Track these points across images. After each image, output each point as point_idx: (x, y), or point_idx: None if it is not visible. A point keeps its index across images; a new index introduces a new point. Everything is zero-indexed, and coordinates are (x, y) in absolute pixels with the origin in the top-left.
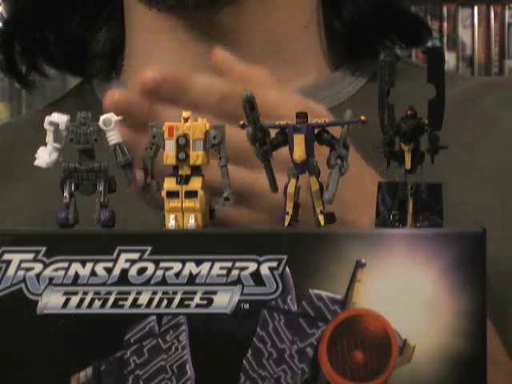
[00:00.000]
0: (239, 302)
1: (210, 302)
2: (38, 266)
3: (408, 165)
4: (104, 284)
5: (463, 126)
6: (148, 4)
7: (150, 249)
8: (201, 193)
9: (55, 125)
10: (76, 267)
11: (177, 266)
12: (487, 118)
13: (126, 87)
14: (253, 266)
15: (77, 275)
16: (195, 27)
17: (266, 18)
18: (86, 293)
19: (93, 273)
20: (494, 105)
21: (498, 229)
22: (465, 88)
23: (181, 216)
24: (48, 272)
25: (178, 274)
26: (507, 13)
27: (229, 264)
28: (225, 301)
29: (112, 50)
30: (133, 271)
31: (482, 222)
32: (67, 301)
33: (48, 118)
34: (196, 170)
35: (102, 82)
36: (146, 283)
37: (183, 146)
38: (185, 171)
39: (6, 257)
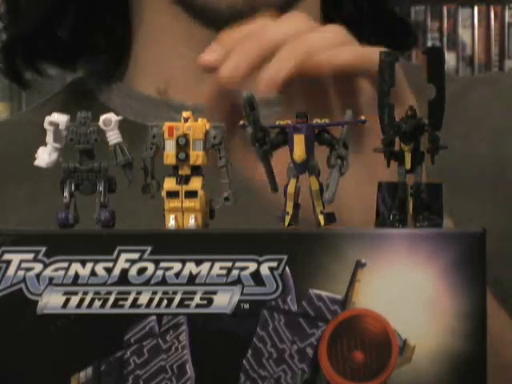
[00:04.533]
0: (239, 301)
1: (210, 302)
2: (38, 266)
3: (408, 165)
4: (104, 284)
5: (455, 119)
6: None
7: (149, 249)
8: (201, 193)
9: (55, 125)
10: (76, 267)
11: (177, 266)
12: (478, 109)
13: (130, 88)
14: (253, 266)
15: (77, 275)
16: (212, 26)
17: None
18: (86, 293)
19: (93, 273)
20: (483, 97)
21: (498, 219)
22: (455, 82)
23: (181, 216)
24: (48, 272)
25: (177, 274)
26: (507, 13)
27: (229, 264)
28: (225, 301)
29: (117, 49)
30: (133, 271)
31: (482, 218)
32: (67, 301)
33: (48, 118)
34: (196, 170)
35: (101, 82)
36: (146, 283)
37: (183, 145)
38: (185, 171)
39: (6, 257)
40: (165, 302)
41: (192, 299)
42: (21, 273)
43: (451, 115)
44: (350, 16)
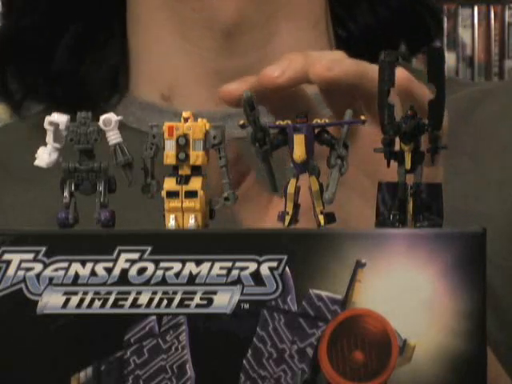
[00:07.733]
0: (239, 301)
1: (210, 302)
2: (38, 266)
3: (408, 165)
4: (104, 284)
5: (465, 134)
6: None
7: (149, 249)
8: (201, 193)
9: (55, 125)
10: (76, 267)
11: (177, 266)
12: (489, 125)
13: (133, 95)
14: (253, 266)
15: (77, 275)
16: (214, 43)
17: (284, 33)
18: (85, 293)
19: (93, 273)
20: (496, 112)
21: (503, 238)
22: (464, 94)
23: (181, 216)
24: (48, 272)
25: (178, 274)
26: (507, 13)
27: (229, 264)
28: (225, 301)
29: (113, 77)
30: (133, 271)
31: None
32: (67, 301)
33: (48, 118)
34: (196, 170)
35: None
36: (146, 283)
37: (183, 145)
38: (185, 171)
39: (6, 257)
40: (165, 302)
41: (192, 299)
42: (21, 273)
43: (461, 129)
44: (366, 21)
